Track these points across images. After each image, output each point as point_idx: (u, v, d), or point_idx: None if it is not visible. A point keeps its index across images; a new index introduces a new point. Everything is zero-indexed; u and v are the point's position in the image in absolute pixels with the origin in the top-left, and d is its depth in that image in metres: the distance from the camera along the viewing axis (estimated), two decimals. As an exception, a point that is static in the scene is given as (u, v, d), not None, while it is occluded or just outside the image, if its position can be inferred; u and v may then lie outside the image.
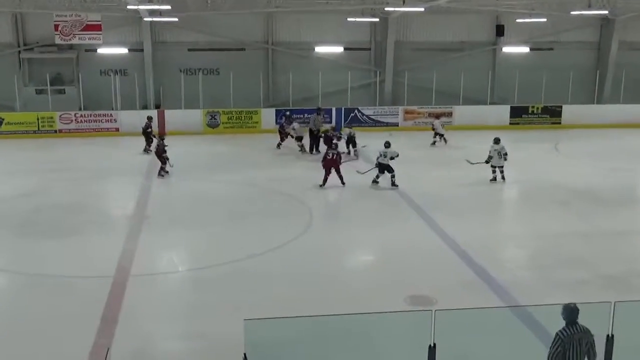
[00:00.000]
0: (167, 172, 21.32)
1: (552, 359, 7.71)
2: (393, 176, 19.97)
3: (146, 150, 25.32)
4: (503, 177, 20.68)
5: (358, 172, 20.47)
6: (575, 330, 7.64)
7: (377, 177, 20.03)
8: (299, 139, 25.70)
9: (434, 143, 27.49)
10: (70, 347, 9.97)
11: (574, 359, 7.63)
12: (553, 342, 7.74)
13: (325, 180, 20.18)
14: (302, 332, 9.05)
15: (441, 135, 27.44)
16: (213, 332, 10.52)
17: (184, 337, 10.63)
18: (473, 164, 21.15)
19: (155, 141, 22.37)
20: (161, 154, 21.19)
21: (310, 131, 25.92)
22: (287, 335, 8.92)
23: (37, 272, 13.24)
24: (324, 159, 20.47)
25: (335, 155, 20.43)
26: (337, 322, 9.09)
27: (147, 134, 25.66)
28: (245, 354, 7.93)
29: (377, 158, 20.11)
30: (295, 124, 26.14)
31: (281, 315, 9.17)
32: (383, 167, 19.91)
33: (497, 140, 20.79)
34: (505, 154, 20.56)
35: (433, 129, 27.61)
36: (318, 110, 26.90)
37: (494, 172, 20.68)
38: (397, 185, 19.89)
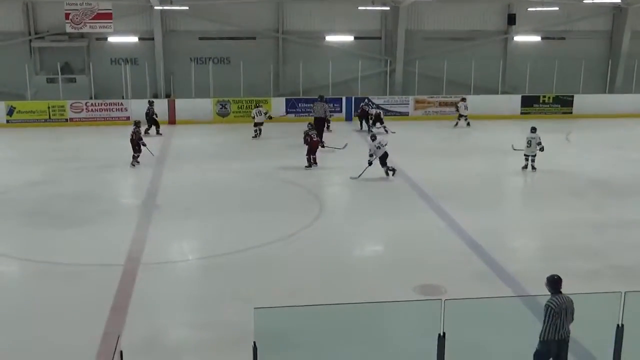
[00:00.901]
0: (138, 162, 21.09)
1: (549, 330, 8.21)
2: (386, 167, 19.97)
3: (146, 132, 25.96)
4: (533, 167, 20.80)
5: (351, 177, 19.96)
6: (562, 300, 8.21)
7: (388, 169, 19.87)
8: (258, 124, 26.48)
9: (456, 124, 27.98)
10: (81, 335, 10.02)
11: (563, 326, 8.20)
12: (546, 314, 8.21)
13: (308, 161, 21.29)
14: (311, 321, 9.07)
15: (465, 117, 27.90)
16: (223, 320, 10.55)
17: (194, 326, 10.65)
18: (517, 150, 21.32)
19: (133, 128, 21.76)
20: (137, 141, 21.00)
21: (321, 119, 25.98)
22: (296, 324, 8.94)
23: (47, 260, 13.29)
24: (309, 141, 21.36)
25: (314, 137, 21.61)
26: (346, 311, 9.09)
27: (152, 119, 26.08)
28: (255, 343, 7.93)
29: (371, 155, 19.88)
30: (261, 109, 26.88)
31: (291, 304, 9.20)
32: (384, 158, 19.76)
33: (533, 129, 20.94)
34: (539, 143, 20.70)
35: (457, 110, 28.13)
36: (321, 98, 27.06)
37: (526, 160, 20.88)
38: (393, 171, 19.98)
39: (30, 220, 16.03)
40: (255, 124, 26.44)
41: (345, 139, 24.74)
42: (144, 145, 21.06)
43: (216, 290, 11.94)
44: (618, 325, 8.19)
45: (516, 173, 20.97)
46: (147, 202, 17.71)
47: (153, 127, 26.83)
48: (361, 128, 28.11)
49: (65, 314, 10.83)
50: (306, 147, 21.48)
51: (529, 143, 20.73)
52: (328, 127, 26.81)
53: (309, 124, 23.23)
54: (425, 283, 11.96)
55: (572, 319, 8.35)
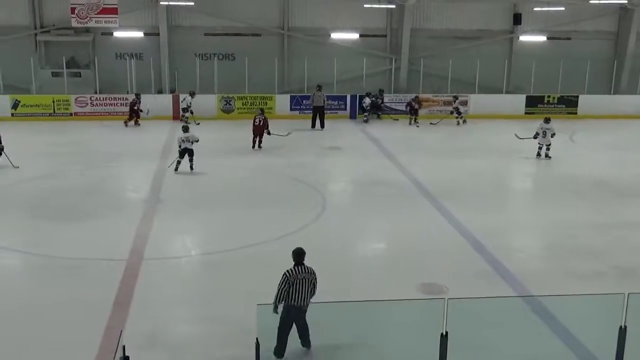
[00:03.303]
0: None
1: (280, 293, 9.10)
2: None
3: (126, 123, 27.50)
4: (547, 155, 21.89)
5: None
6: (300, 271, 9.17)
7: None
8: (185, 110, 27.95)
9: (460, 123, 28.29)
10: (83, 329, 10.05)
11: (297, 294, 9.05)
12: (280, 280, 9.15)
13: (253, 142, 23.39)
14: (314, 318, 9.08)
15: (458, 113, 28.05)
16: (226, 316, 10.56)
17: (197, 321, 10.67)
18: (521, 138, 22.14)
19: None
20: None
21: (320, 107, 28.17)
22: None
23: (50, 254, 13.32)
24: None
25: (261, 122, 23.31)
26: (349, 309, 9.11)
27: (133, 109, 27.54)
28: (257, 339, 7.95)
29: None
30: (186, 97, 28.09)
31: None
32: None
33: (547, 120, 21.92)
34: (553, 134, 21.82)
35: (457, 110, 28.47)
36: (319, 88, 28.49)
37: (539, 148, 21.88)
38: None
39: (34, 214, 16.05)
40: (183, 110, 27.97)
41: (349, 136, 24.77)
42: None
43: (219, 286, 11.96)
44: (621, 326, 8.20)
45: (520, 173, 20.97)
46: (151, 197, 17.73)
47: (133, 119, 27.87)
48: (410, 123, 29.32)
49: (68, 308, 10.84)
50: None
51: (544, 133, 21.57)
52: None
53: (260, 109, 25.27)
54: (428, 282, 11.97)
55: (314, 292, 9.27)
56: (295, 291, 9.09)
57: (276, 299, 9.11)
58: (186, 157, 19.92)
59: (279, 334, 9.09)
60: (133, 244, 13.84)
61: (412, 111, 29.52)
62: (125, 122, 27.58)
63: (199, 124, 27.46)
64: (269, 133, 23.50)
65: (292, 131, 23.99)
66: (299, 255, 9.35)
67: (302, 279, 9.14)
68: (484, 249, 13.78)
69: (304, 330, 9.25)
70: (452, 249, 13.94)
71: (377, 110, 30.36)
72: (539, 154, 22.03)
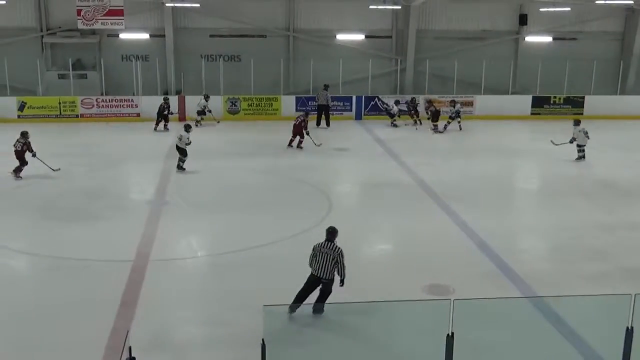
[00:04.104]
0: (20, 177, 19.19)
1: (310, 260, 10.60)
2: None
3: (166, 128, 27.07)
4: (583, 156, 21.88)
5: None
6: (323, 245, 10.50)
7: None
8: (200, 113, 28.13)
9: (460, 128, 27.77)
10: (90, 330, 10.07)
11: (317, 264, 10.45)
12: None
13: (290, 142, 23.54)
14: (320, 319, 9.09)
15: (458, 119, 27.77)
16: (232, 317, 10.56)
17: (203, 322, 10.69)
18: (557, 144, 21.96)
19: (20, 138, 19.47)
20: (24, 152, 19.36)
21: (318, 106, 28.71)
22: (305, 321, 8.97)
23: (57, 255, 13.35)
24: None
25: (301, 121, 23.39)
26: (355, 310, 9.11)
27: (163, 114, 26.98)
28: (263, 340, 7.95)
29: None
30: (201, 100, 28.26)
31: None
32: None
33: (577, 122, 21.93)
34: (587, 132, 21.87)
35: (457, 115, 28.02)
36: (325, 87, 28.76)
37: (579, 151, 21.81)
38: None
39: (41, 215, 16.12)
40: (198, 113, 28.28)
41: (355, 137, 24.77)
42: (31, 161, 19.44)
43: (225, 287, 11.96)
44: (628, 327, 8.16)
45: (525, 174, 20.91)
46: (156, 198, 17.76)
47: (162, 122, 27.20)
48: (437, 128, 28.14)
49: (75, 309, 10.88)
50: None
51: (585, 134, 21.76)
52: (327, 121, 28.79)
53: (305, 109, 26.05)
54: (433, 283, 11.95)
55: (337, 268, 10.40)
56: (316, 262, 10.46)
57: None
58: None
59: (298, 292, 10.42)
60: (139, 245, 13.86)
61: (416, 112, 29.16)
62: (155, 127, 27.18)
63: (218, 122, 28.26)
64: (307, 133, 23.49)
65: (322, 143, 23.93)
66: (328, 232, 10.67)
67: (324, 253, 10.41)
68: (490, 250, 13.76)
69: (321, 297, 10.38)
70: (458, 250, 13.91)
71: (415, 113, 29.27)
72: (582, 157, 21.87)
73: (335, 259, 10.35)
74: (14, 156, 19.22)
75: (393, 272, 12.85)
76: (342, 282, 10.46)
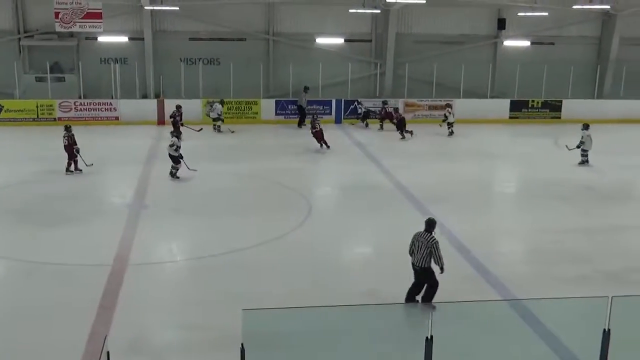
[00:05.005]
0: (80, 170, 20.40)
1: (409, 249, 11.14)
2: None
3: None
4: (587, 161, 21.86)
5: None
6: (423, 235, 11.01)
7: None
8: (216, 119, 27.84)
9: (451, 133, 27.88)
10: (68, 334, 10.00)
11: (414, 250, 11.05)
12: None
13: (320, 146, 24.07)
14: (300, 324, 9.07)
15: (450, 124, 27.78)
16: (210, 322, 10.54)
17: (182, 327, 10.64)
18: (571, 149, 21.99)
19: (65, 133, 20.45)
20: (72, 146, 20.26)
21: (299, 107, 29.33)
22: (285, 326, 8.95)
23: (35, 260, 13.23)
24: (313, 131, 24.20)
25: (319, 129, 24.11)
26: (335, 314, 9.10)
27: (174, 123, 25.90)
28: (242, 345, 7.93)
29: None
30: (216, 105, 27.97)
31: (279, 306, 9.19)
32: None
33: (586, 126, 21.78)
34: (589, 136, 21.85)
35: (445, 118, 28.04)
36: (305, 89, 29.37)
37: (583, 155, 21.73)
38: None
39: (18, 219, 15.97)
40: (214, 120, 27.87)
41: (335, 141, 24.77)
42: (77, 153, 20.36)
43: (204, 291, 11.92)
44: (604, 329, 8.24)
45: (504, 177, 21.04)
46: (135, 202, 17.67)
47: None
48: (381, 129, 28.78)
49: (52, 314, 10.80)
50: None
51: (590, 139, 21.66)
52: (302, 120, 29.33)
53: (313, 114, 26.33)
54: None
55: (438, 261, 10.82)
56: (414, 251, 11.05)
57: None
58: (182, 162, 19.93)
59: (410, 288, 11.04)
60: (118, 249, 13.79)
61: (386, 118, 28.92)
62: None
63: (233, 132, 27.74)
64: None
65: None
66: (427, 223, 11.17)
67: (420, 243, 10.93)
68: (469, 254, 13.83)
69: (426, 291, 10.84)
70: (438, 253, 13.94)
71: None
72: (586, 162, 21.85)
73: (429, 248, 10.78)
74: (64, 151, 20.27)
75: (372, 275, 12.86)
76: (441, 269, 10.86)
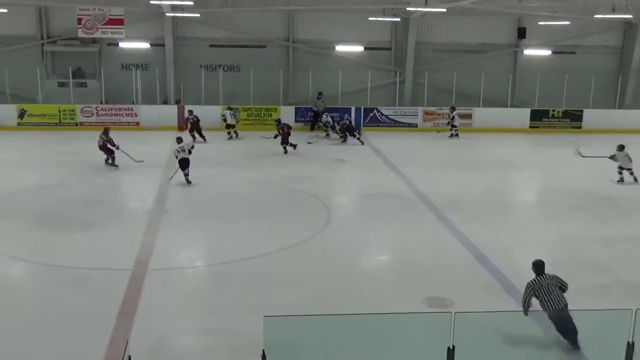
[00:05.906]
0: (116, 165, 21.92)
1: (525, 301, 9.87)
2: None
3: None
4: (635, 179, 21.42)
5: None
6: (543, 278, 9.87)
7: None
8: (229, 127, 28.17)
9: (451, 135, 28.21)
10: (88, 339, 10.02)
11: (545, 298, 9.68)
12: (525, 290, 9.92)
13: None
14: (320, 331, 9.05)
15: (455, 127, 27.95)
16: (231, 328, 10.54)
17: (202, 333, 10.64)
18: (584, 156, 21.87)
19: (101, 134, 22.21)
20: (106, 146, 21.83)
21: (315, 113, 30.02)
22: (306, 333, 8.93)
23: (55, 264, 13.31)
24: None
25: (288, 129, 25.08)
26: (355, 322, 9.08)
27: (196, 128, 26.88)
28: (263, 351, 7.93)
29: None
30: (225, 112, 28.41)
31: (300, 314, 9.18)
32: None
33: (622, 147, 21.52)
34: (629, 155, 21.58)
35: (451, 121, 28.17)
36: (319, 95, 30.07)
37: (620, 173, 21.38)
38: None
39: (39, 223, 16.08)
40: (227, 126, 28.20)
41: (353, 148, 24.77)
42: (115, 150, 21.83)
43: (225, 297, 11.93)
44: (628, 342, 8.16)
45: (524, 186, 20.89)
46: (155, 207, 17.75)
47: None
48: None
49: (72, 318, 10.84)
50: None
51: (628, 158, 21.44)
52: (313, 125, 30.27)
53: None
54: (432, 295, 11.93)
55: (565, 287, 9.94)
56: (547, 300, 9.72)
57: (522, 305, 9.98)
58: (180, 170, 19.91)
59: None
60: (138, 254, 13.83)
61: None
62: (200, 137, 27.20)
63: (229, 138, 28.15)
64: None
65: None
66: (539, 266, 10.14)
67: (547, 285, 9.82)
68: (488, 263, 13.75)
69: (570, 333, 9.62)
70: (457, 262, 13.91)
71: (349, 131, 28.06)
72: (621, 180, 21.43)
73: (558, 285, 9.95)
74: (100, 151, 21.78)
75: (392, 284, 12.83)
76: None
